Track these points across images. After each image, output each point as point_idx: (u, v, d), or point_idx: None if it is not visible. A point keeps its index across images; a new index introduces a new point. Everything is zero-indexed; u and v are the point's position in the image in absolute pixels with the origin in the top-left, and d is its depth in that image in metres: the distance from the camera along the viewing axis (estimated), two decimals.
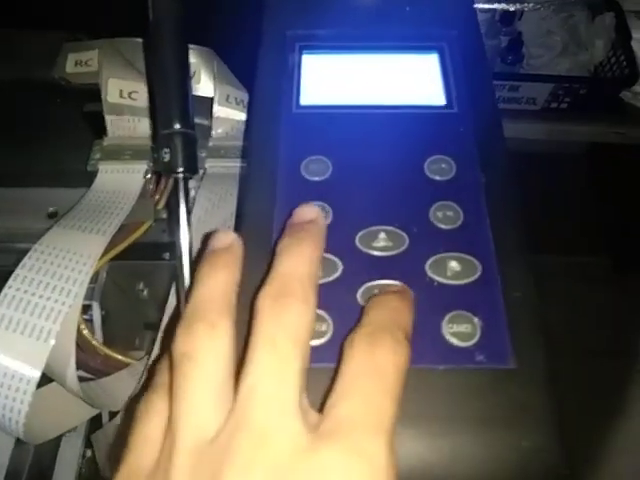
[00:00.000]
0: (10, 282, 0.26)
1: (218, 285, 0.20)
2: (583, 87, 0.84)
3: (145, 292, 0.42)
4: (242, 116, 0.36)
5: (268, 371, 0.18)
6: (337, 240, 0.24)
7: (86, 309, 0.34)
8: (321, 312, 0.22)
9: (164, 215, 0.36)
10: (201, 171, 0.36)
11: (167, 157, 0.24)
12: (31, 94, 0.38)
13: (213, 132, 0.37)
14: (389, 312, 0.20)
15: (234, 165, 0.35)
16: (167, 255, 0.37)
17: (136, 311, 0.41)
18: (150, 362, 0.30)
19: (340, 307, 0.22)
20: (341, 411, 0.17)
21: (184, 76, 0.25)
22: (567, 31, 0.89)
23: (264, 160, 0.26)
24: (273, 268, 0.20)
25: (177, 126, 0.24)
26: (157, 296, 0.40)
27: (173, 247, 0.32)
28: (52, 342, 0.26)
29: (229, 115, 0.36)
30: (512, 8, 0.78)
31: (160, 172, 0.33)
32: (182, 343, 0.19)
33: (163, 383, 0.20)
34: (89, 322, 0.34)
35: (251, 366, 0.18)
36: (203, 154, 0.36)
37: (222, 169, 0.35)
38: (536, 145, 0.93)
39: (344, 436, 0.17)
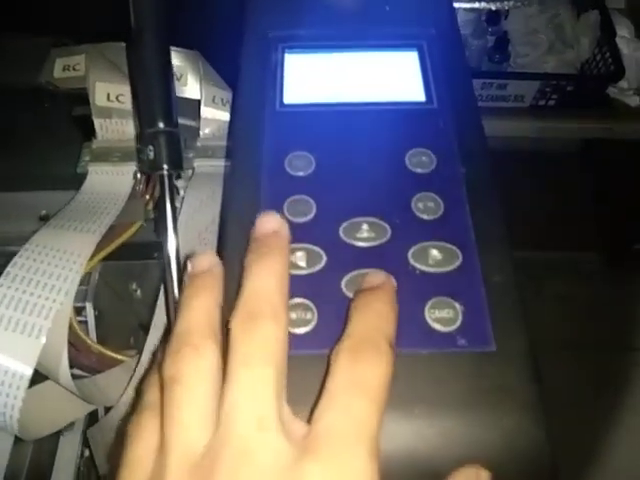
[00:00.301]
0: (1, 281, 0.27)
1: (201, 308, 0.21)
2: (570, 84, 0.85)
3: (138, 292, 0.42)
4: (228, 117, 0.37)
5: (245, 390, 0.18)
6: (321, 232, 0.24)
7: (79, 311, 0.34)
8: (306, 301, 0.22)
9: (154, 215, 0.37)
10: (190, 171, 0.36)
11: (151, 155, 0.24)
12: (19, 99, 0.38)
13: (201, 133, 0.37)
14: (372, 318, 0.20)
15: (222, 164, 0.36)
16: (156, 254, 0.38)
17: (130, 311, 0.42)
18: (138, 364, 0.31)
19: (324, 296, 0.22)
20: (324, 425, 0.18)
21: (167, 75, 0.25)
22: (553, 29, 0.90)
23: (248, 157, 0.26)
24: (242, 288, 0.21)
25: (161, 125, 0.24)
26: (150, 296, 0.40)
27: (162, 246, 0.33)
28: (44, 338, 0.26)
29: (216, 116, 0.37)
30: (494, 7, 0.78)
31: (148, 172, 0.34)
32: (170, 367, 0.20)
33: (153, 402, 0.20)
34: (83, 323, 0.35)
35: (229, 386, 0.19)
36: (191, 154, 0.36)
37: (210, 168, 0.36)
38: (528, 143, 0.94)
39: (326, 450, 0.18)
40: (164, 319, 0.31)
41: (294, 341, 0.21)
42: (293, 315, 0.22)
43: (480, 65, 0.87)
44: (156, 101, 0.25)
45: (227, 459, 0.17)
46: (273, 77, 0.29)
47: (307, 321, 0.22)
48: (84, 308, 0.35)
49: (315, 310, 0.22)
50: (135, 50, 0.25)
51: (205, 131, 0.37)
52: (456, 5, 0.82)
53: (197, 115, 0.38)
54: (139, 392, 0.22)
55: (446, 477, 0.20)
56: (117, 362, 0.33)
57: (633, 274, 1.29)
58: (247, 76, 0.29)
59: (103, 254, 0.34)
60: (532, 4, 0.85)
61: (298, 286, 0.23)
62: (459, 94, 0.29)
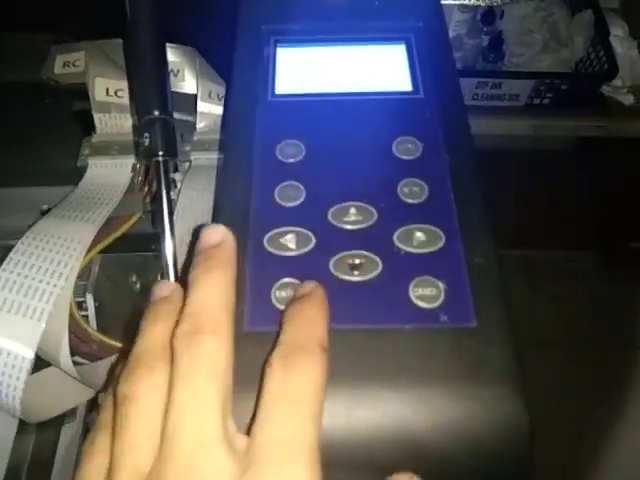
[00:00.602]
0: (4, 266, 0.28)
1: (157, 333, 0.21)
2: (564, 83, 0.86)
3: (138, 285, 0.43)
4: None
5: (188, 407, 0.19)
6: (310, 216, 0.25)
7: (80, 305, 0.35)
8: (295, 281, 0.23)
9: (152, 207, 0.38)
10: (186, 164, 0.37)
11: (147, 142, 0.25)
12: (20, 95, 0.39)
13: (197, 127, 0.38)
14: (303, 325, 0.21)
15: (217, 157, 0.37)
16: (154, 246, 0.38)
17: (130, 303, 0.43)
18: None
19: (313, 276, 0.23)
20: (260, 438, 0.18)
21: (161, 65, 0.26)
22: (547, 29, 0.91)
23: (241, 144, 0.27)
24: (186, 303, 0.21)
25: (156, 112, 0.26)
26: (150, 288, 0.41)
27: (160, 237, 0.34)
28: (45, 321, 0.27)
29: (212, 110, 0.38)
30: (484, 3, 0.79)
31: (146, 164, 0.35)
32: (122, 386, 0.20)
33: (106, 421, 0.21)
34: (84, 318, 0.35)
35: (172, 404, 0.19)
36: (188, 148, 0.37)
37: (206, 161, 0.37)
38: (524, 142, 0.95)
39: (266, 463, 0.18)
40: None
41: None
42: (283, 294, 0.23)
43: (475, 64, 0.88)
44: (151, 90, 0.26)
45: (171, 477, 0.18)
46: (265, 69, 0.30)
47: None
48: (84, 302, 0.36)
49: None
50: (131, 41, 0.27)
51: (201, 125, 0.38)
52: (451, 2, 0.83)
53: (194, 110, 0.39)
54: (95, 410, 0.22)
55: None
56: (117, 349, 0.34)
57: (630, 272, 1.30)
58: (240, 68, 0.30)
59: (103, 245, 0.35)
60: (526, 1, 0.86)
61: (287, 266, 0.24)
62: (445, 84, 0.30)
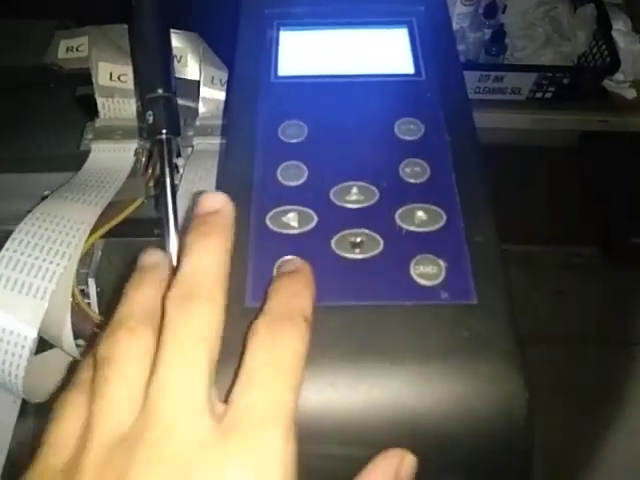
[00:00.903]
0: (7, 244, 0.28)
1: (141, 297, 0.21)
2: (566, 77, 0.86)
3: None
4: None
5: (175, 370, 0.19)
6: (312, 195, 0.25)
7: (82, 293, 0.35)
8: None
9: (155, 192, 0.38)
10: (189, 149, 0.38)
11: (150, 119, 0.26)
12: (23, 79, 0.40)
13: (200, 112, 0.38)
14: (288, 297, 0.21)
15: (220, 142, 0.37)
16: (156, 231, 0.39)
17: None
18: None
19: (315, 253, 0.23)
20: (240, 403, 0.18)
21: (165, 45, 0.26)
22: (550, 23, 0.91)
23: (243, 125, 0.28)
24: (180, 267, 0.21)
25: (159, 91, 0.26)
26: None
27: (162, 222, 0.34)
28: (47, 300, 0.27)
29: (214, 96, 0.38)
30: None
31: (149, 149, 0.35)
32: (103, 347, 0.20)
33: (83, 380, 0.20)
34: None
35: (159, 366, 0.19)
36: (190, 133, 0.38)
37: (209, 146, 0.37)
38: (526, 135, 0.95)
39: (241, 429, 0.18)
40: None
41: None
42: None
43: (477, 57, 0.88)
44: (155, 68, 0.26)
45: (149, 438, 0.18)
46: (268, 51, 0.30)
47: None
48: (87, 289, 0.36)
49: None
50: (135, 21, 0.27)
51: (204, 110, 0.38)
52: None
53: (196, 96, 0.39)
54: (71, 372, 0.22)
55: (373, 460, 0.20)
56: None
57: (633, 268, 1.30)
58: (244, 51, 0.30)
59: (106, 228, 0.35)
60: None
61: (290, 244, 0.24)
62: (446, 67, 0.30)
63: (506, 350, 0.22)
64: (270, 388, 0.19)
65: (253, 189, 0.25)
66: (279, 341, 0.19)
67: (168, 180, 0.26)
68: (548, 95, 0.88)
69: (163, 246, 0.31)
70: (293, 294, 0.21)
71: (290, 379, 0.19)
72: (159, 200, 0.28)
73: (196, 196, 0.22)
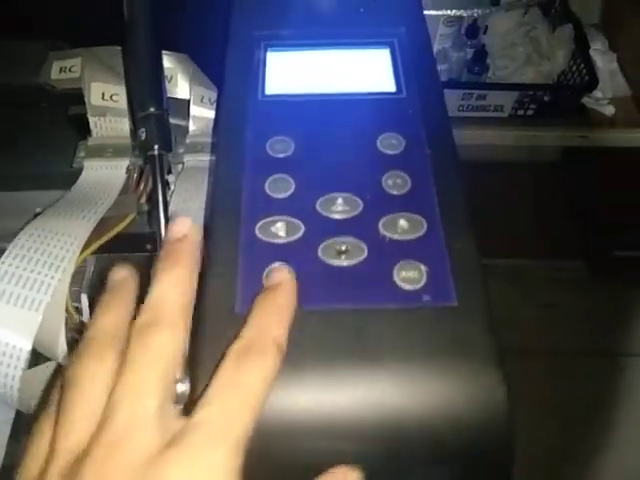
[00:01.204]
0: (3, 258, 0.29)
1: (107, 321, 0.22)
2: (547, 94, 0.88)
3: None
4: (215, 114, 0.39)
5: (128, 389, 0.20)
6: (299, 206, 0.26)
7: (76, 310, 0.36)
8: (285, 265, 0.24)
9: (146, 208, 0.39)
10: (180, 166, 0.39)
11: (143, 136, 0.27)
12: (18, 99, 0.41)
13: (190, 130, 0.40)
14: (264, 320, 0.22)
15: (209, 159, 0.38)
16: (148, 246, 0.39)
17: None
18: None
19: (302, 261, 0.25)
20: (194, 419, 0.19)
21: (157, 65, 0.28)
22: (530, 43, 0.94)
23: (233, 141, 0.29)
24: (148, 295, 0.22)
25: (152, 109, 0.27)
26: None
27: (154, 237, 0.35)
28: (42, 312, 0.28)
29: (204, 114, 0.39)
30: (465, 14, 0.82)
31: (140, 166, 0.36)
32: (70, 370, 0.21)
33: (53, 401, 0.22)
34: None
35: (116, 387, 0.20)
36: (181, 150, 0.39)
37: (199, 162, 0.38)
38: (509, 152, 0.98)
39: (189, 444, 0.19)
40: None
41: None
42: None
43: (460, 76, 0.91)
44: (148, 87, 0.27)
45: (99, 451, 0.19)
46: (256, 71, 0.31)
47: None
48: (80, 307, 0.36)
49: (294, 272, 0.24)
50: (129, 42, 0.28)
51: (194, 128, 0.39)
52: (435, 13, 0.85)
53: (187, 115, 0.41)
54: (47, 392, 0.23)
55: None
56: None
57: (616, 281, 1.32)
58: (232, 70, 0.32)
59: (98, 243, 0.36)
60: (507, 12, 0.89)
61: (278, 253, 0.25)
62: (426, 85, 0.31)
63: (485, 348, 0.23)
64: (227, 407, 0.20)
65: (242, 201, 0.27)
66: (245, 367, 0.21)
67: (160, 195, 0.27)
68: (530, 112, 0.91)
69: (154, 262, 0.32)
70: (269, 317, 0.22)
71: (250, 400, 0.20)
72: (151, 215, 0.29)
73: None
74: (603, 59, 0.97)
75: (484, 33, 0.92)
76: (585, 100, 0.93)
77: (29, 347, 0.28)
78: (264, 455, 0.21)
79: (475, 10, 0.85)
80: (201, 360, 0.22)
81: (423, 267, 0.24)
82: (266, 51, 0.33)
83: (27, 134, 0.42)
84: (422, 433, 0.22)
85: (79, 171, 0.39)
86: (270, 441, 0.21)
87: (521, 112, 0.91)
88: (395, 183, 0.27)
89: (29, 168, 0.43)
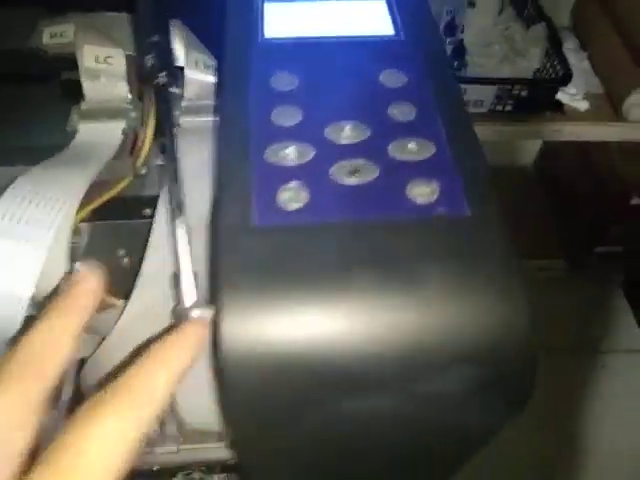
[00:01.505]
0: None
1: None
2: (524, 89, 0.90)
3: (125, 260, 0.43)
4: (209, 78, 0.39)
5: None
6: (308, 133, 0.26)
7: None
8: (299, 183, 0.24)
9: (143, 171, 0.38)
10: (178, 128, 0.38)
11: (150, 62, 0.27)
12: (6, 65, 0.40)
13: (185, 93, 0.39)
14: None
15: (205, 120, 0.38)
16: (147, 211, 0.39)
17: (117, 278, 0.42)
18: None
19: (315, 179, 0.25)
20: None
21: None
22: (505, 42, 0.96)
23: (236, 79, 0.29)
24: (22, 337, 0.21)
25: (157, 36, 0.27)
26: (137, 265, 0.41)
27: (153, 202, 0.35)
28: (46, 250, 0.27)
29: (199, 78, 0.39)
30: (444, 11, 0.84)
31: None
32: None
33: None
34: None
35: None
36: (177, 112, 0.39)
37: (194, 123, 0.38)
38: (489, 148, 1.00)
39: None
40: (153, 267, 0.33)
41: (291, 215, 0.23)
42: (287, 195, 0.24)
43: None
44: (152, 17, 0.27)
45: None
46: (255, 18, 0.32)
47: (302, 198, 0.24)
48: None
49: (307, 190, 0.24)
50: None
51: (189, 91, 0.39)
52: None
53: (181, 82, 0.40)
54: None
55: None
56: (107, 305, 0.34)
57: (596, 279, 1.34)
58: (233, 16, 0.32)
59: (96, 204, 0.36)
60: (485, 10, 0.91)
61: (289, 174, 0.25)
62: (423, 29, 0.32)
63: (499, 254, 0.23)
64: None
65: (250, 130, 0.26)
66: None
67: (169, 122, 0.27)
68: (508, 108, 0.93)
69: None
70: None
71: None
72: (164, 147, 0.29)
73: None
74: (575, 57, 1.00)
75: (461, 32, 0.95)
76: (561, 96, 0.95)
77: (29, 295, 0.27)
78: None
79: (451, 8, 0.88)
80: (222, 268, 0.22)
81: (435, 183, 0.24)
82: (263, 2, 0.33)
83: (16, 103, 0.41)
84: (440, 343, 0.22)
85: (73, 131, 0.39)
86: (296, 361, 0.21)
87: (500, 108, 0.93)
88: (400, 111, 0.27)
89: (20, 139, 0.42)
